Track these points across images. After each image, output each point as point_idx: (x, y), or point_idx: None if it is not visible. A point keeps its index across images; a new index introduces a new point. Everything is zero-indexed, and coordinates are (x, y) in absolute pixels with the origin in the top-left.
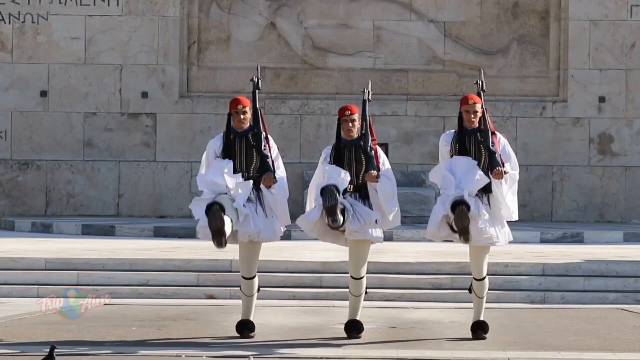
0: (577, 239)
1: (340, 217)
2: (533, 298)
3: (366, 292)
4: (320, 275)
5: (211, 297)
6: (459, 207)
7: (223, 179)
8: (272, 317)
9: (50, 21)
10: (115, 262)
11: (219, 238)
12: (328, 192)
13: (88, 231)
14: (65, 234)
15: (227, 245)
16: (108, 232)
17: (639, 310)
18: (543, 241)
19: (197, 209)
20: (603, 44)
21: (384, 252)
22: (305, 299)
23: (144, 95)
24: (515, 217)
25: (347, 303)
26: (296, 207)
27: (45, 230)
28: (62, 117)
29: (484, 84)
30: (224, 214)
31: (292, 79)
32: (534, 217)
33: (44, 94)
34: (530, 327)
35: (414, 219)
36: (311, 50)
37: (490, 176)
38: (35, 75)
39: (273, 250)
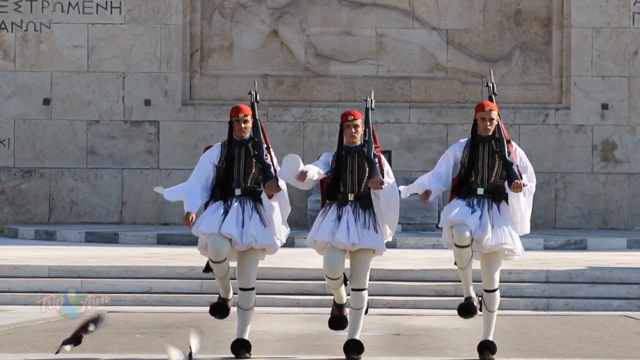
0: (581, 246)
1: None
2: (537, 305)
3: (366, 312)
4: (323, 282)
5: None
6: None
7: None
8: (276, 324)
9: (52, 29)
10: (118, 270)
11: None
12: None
13: (91, 239)
14: (68, 241)
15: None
16: (111, 239)
17: None
18: (547, 248)
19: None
20: (605, 51)
21: (387, 260)
22: (309, 306)
23: (147, 103)
24: (527, 231)
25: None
26: (299, 215)
27: (48, 237)
28: (65, 124)
29: (495, 86)
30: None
31: (294, 87)
32: (538, 224)
33: (47, 102)
34: (533, 333)
35: (417, 226)
36: (314, 57)
37: (509, 189)
38: (38, 83)
39: (276, 258)
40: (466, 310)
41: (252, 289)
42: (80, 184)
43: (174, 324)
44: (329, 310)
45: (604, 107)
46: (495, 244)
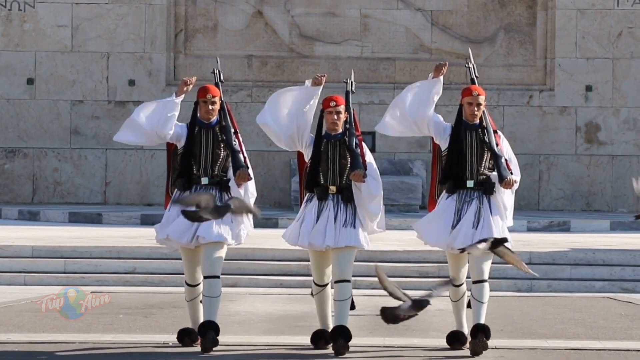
0: (564, 228)
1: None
2: (520, 286)
3: (353, 307)
4: (307, 263)
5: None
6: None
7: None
8: (259, 305)
9: (37, 9)
10: (102, 250)
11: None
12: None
13: (75, 219)
14: (52, 221)
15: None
16: (95, 219)
17: (625, 298)
18: (530, 230)
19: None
20: (590, 33)
21: (370, 241)
22: (292, 287)
23: (131, 83)
24: (510, 224)
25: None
26: (283, 195)
27: (32, 218)
28: (49, 104)
29: (475, 68)
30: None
31: (279, 67)
32: (521, 206)
33: (30, 81)
34: (516, 315)
35: (400, 208)
36: (298, 38)
37: (498, 185)
38: (22, 63)
39: (260, 239)
40: (455, 339)
41: (217, 277)
42: (64, 164)
43: (157, 304)
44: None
45: (588, 88)
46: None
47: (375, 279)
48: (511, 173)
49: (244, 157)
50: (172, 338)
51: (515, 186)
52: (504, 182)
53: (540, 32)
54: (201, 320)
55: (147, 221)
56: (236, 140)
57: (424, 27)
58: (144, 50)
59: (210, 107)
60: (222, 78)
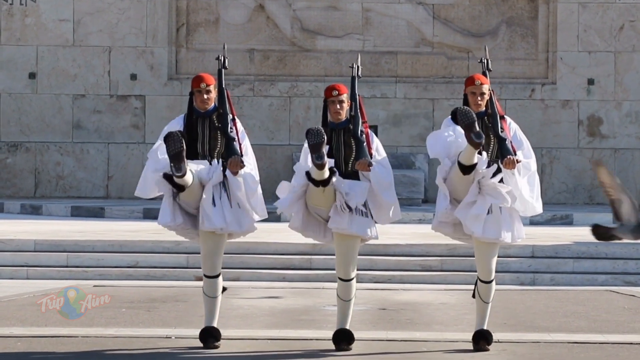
0: (567, 221)
1: (325, 157)
2: (522, 280)
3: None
4: (310, 257)
5: (200, 279)
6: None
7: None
8: (262, 298)
9: (38, 3)
10: (104, 244)
11: (178, 163)
12: (314, 131)
13: (77, 213)
14: (54, 215)
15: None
16: (97, 213)
17: (628, 292)
18: (532, 223)
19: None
20: (592, 26)
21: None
22: (295, 281)
23: (133, 77)
24: (539, 210)
25: (335, 285)
26: None
27: (34, 212)
28: (51, 99)
29: (489, 62)
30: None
31: (281, 61)
32: None
33: (32, 75)
34: (519, 308)
35: (403, 201)
36: (300, 32)
37: (501, 166)
38: (24, 57)
39: (263, 232)
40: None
41: (218, 275)
42: (66, 158)
43: (160, 298)
44: (315, 284)
45: (590, 82)
46: (491, 236)
47: (379, 272)
48: (515, 155)
49: (239, 144)
50: (175, 332)
51: (522, 167)
52: (505, 160)
53: (542, 26)
54: (216, 320)
55: (150, 215)
56: (233, 127)
57: (425, 21)
58: (145, 45)
59: (205, 96)
60: (226, 65)
